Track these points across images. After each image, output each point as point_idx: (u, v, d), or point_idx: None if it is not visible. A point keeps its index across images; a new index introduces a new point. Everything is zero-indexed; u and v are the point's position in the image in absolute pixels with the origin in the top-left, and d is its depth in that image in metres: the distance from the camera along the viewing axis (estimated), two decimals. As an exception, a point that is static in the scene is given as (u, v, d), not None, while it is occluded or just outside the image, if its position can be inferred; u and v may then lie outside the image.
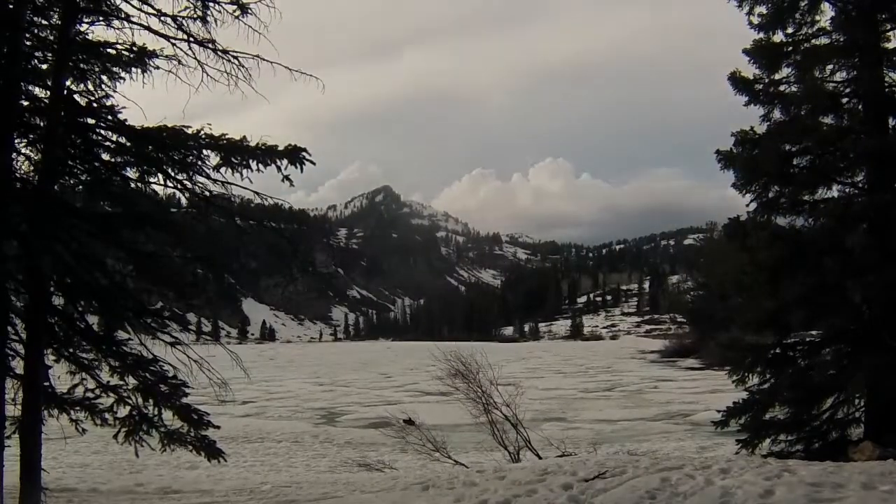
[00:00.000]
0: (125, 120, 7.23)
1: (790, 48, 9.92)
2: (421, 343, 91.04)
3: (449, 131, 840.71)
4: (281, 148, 7.08)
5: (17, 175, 7.08)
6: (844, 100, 9.76)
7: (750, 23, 10.02)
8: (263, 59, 6.90)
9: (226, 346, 7.73)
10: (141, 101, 7.29)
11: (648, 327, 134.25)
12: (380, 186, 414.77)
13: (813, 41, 9.86)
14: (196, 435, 8.24)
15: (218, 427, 8.43)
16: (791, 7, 9.77)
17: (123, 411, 8.01)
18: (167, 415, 8.08)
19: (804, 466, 6.56)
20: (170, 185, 7.42)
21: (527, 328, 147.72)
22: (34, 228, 6.64)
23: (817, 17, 9.84)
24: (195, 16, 6.93)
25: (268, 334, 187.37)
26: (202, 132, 7.01)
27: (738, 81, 10.06)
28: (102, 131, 7.38)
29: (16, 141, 7.04)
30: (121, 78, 7.38)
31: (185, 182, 7.33)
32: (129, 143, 7.35)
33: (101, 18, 7.21)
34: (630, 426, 19.56)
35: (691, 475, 6.26)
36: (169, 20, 6.99)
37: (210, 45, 7.02)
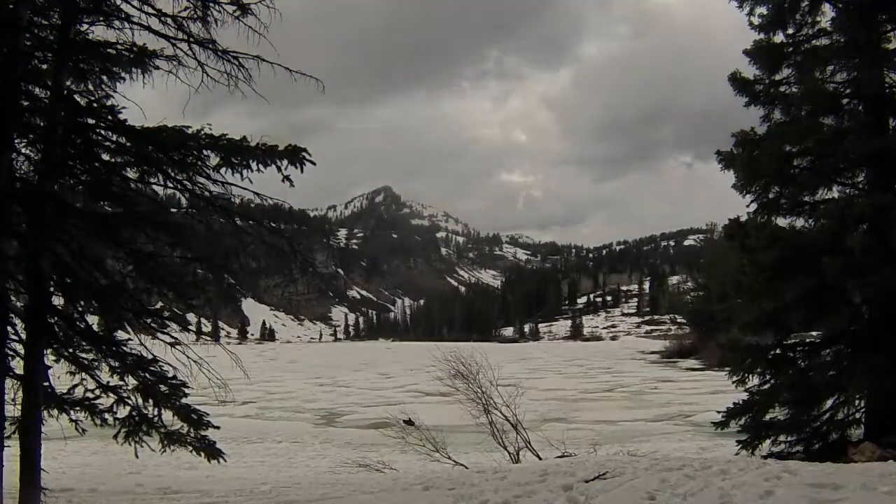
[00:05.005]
0: (125, 120, 7.22)
1: (790, 49, 9.94)
2: (421, 343, 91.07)
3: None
4: (281, 148, 7.07)
5: (17, 175, 7.07)
6: (844, 100, 9.78)
7: (750, 23, 10.05)
8: (264, 60, 6.90)
9: (226, 347, 7.71)
10: (141, 101, 7.29)
11: (648, 328, 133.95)
12: (380, 186, 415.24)
13: (813, 42, 9.88)
14: (196, 435, 8.24)
15: (218, 427, 8.42)
16: (791, 8, 9.79)
17: (123, 412, 8.00)
18: (167, 415, 8.07)
19: (804, 467, 6.57)
20: (170, 185, 7.41)
21: (527, 329, 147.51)
22: (34, 228, 6.64)
23: (818, 18, 9.86)
24: (195, 16, 6.91)
25: (268, 335, 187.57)
26: (202, 132, 7.01)
27: (738, 82, 10.07)
28: (102, 131, 7.36)
29: (16, 141, 7.04)
30: (121, 78, 7.37)
31: (185, 182, 7.31)
32: (129, 143, 7.34)
33: (101, 18, 7.19)
34: (630, 427, 19.55)
35: (691, 476, 6.27)
36: (169, 20, 6.98)
37: (210, 46, 7.00)
